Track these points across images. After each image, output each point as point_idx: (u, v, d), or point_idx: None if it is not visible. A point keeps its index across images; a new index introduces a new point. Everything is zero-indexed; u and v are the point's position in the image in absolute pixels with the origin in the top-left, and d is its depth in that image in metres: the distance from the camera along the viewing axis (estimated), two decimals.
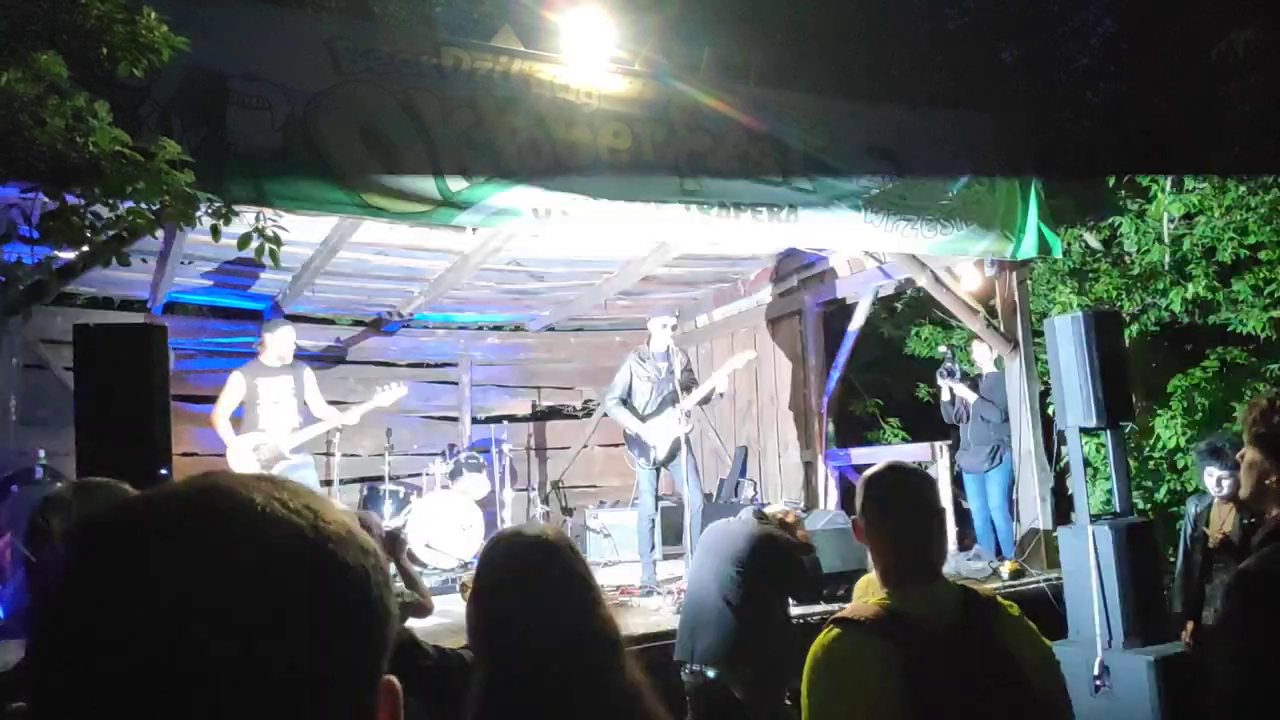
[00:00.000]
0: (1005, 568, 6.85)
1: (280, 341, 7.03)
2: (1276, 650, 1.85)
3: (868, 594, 4.08)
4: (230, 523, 0.64)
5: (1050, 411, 6.78)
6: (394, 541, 4.15)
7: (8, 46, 3.97)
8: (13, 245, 5.14)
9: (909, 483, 2.28)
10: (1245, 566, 2.05)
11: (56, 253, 4.67)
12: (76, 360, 4.77)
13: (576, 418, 11.08)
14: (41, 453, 6.96)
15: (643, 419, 6.91)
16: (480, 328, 10.71)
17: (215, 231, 4.63)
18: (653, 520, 7.06)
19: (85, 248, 4.52)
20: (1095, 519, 5.71)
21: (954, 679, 1.94)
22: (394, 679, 0.72)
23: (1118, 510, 5.80)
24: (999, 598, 2.19)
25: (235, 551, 0.63)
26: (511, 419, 10.20)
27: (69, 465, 6.11)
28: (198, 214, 4.45)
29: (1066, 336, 5.94)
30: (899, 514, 2.20)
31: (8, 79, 3.88)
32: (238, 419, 6.95)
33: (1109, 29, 8.32)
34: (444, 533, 7.71)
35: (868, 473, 2.31)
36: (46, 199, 4.28)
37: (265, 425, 6.86)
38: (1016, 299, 7.50)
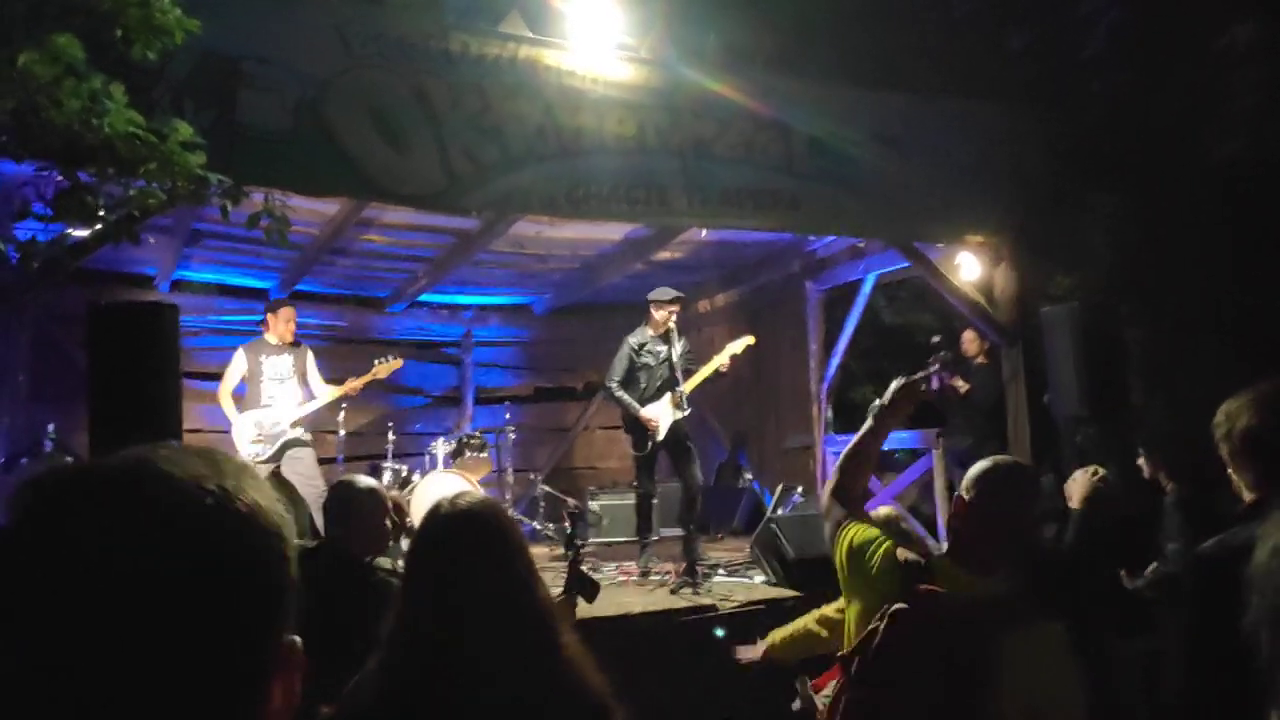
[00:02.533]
0: None
1: (282, 322, 7.14)
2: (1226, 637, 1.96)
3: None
4: (145, 492, 0.73)
5: (1045, 401, 6.86)
6: (399, 512, 4.23)
7: (25, 28, 4.03)
8: (27, 222, 5.22)
9: (1025, 482, 2.54)
10: (1203, 549, 2.15)
11: (69, 230, 4.74)
12: (89, 338, 4.85)
13: (578, 399, 11.16)
14: (51, 428, 7.05)
15: (642, 402, 6.91)
16: (483, 308, 10.78)
17: (224, 211, 4.72)
18: (651, 503, 7.11)
19: (98, 226, 4.60)
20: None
21: (927, 649, 2.14)
22: (296, 639, 0.81)
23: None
24: (1041, 621, 2.29)
25: (144, 517, 0.72)
26: (514, 400, 10.28)
27: (78, 440, 6.21)
28: (208, 194, 4.53)
29: (1061, 327, 6.02)
30: (1008, 508, 2.43)
31: (25, 60, 3.94)
32: (240, 396, 7.06)
33: (1116, 17, 8.32)
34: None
35: (988, 463, 2.50)
36: (61, 178, 4.36)
37: (268, 401, 6.96)
38: (1014, 289, 7.56)
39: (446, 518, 2.10)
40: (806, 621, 3.96)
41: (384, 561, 3.59)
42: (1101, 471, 4.28)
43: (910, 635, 2.20)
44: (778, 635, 4.05)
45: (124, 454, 0.77)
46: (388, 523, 3.56)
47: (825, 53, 7.16)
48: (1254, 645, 1.10)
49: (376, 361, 7.46)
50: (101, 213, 4.43)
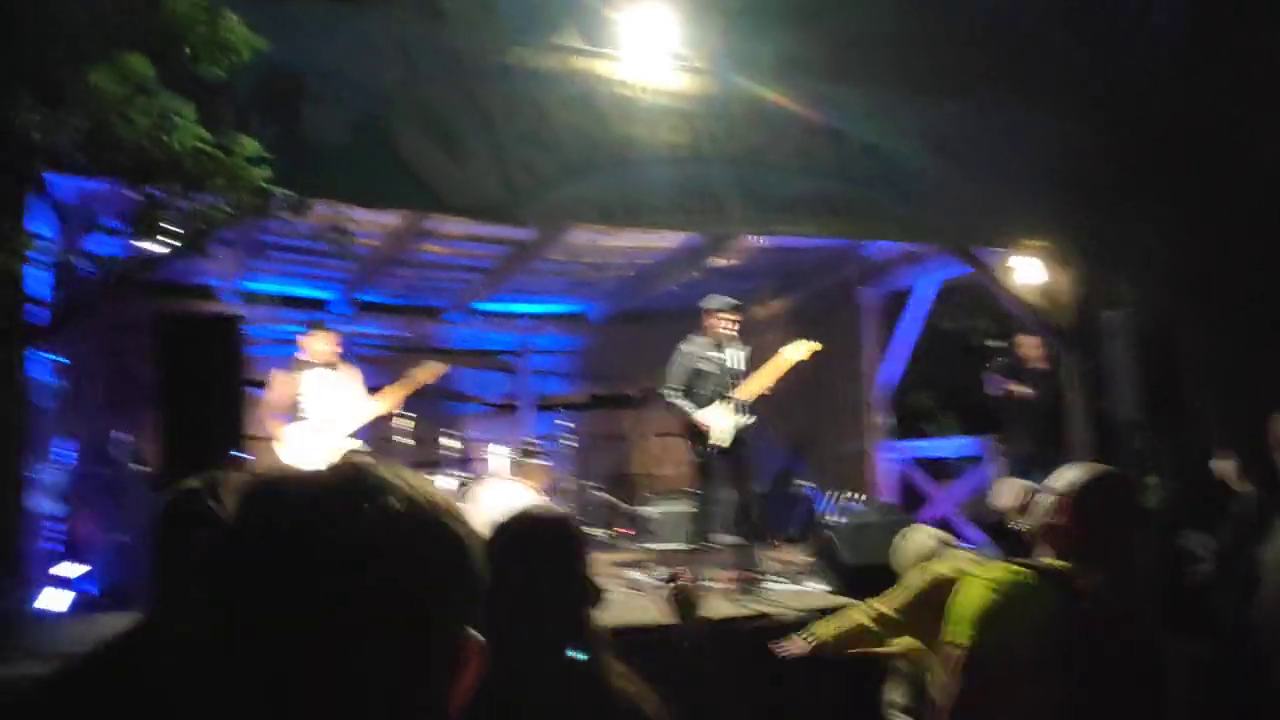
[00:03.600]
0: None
1: (318, 344, 7.12)
2: None
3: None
4: (375, 493, 0.80)
5: (1104, 406, 6.76)
6: None
7: (99, 48, 4.18)
8: (98, 236, 5.40)
9: (1136, 501, 2.72)
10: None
11: (140, 244, 4.89)
12: (156, 348, 4.99)
13: (634, 406, 11.19)
14: (124, 436, 7.25)
15: (701, 409, 6.89)
16: (540, 317, 10.86)
17: (288, 224, 4.84)
18: (710, 510, 7.10)
19: (167, 239, 4.73)
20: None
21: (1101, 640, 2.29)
22: (483, 639, 0.87)
23: (1166, 506, 5.79)
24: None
25: (379, 515, 0.79)
26: (570, 407, 10.35)
27: (148, 449, 6.37)
28: (273, 207, 4.65)
29: (1120, 332, 5.94)
30: (1122, 525, 2.57)
31: (97, 79, 4.09)
32: (286, 418, 7.09)
33: (1179, 26, 8.19)
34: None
35: (1100, 472, 2.64)
36: (131, 193, 4.50)
37: (315, 419, 7.00)
38: (1073, 294, 7.45)
39: (523, 525, 2.11)
40: (856, 616, 4.02)
41: None
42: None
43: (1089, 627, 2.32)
44: (827, 630, 4.10)
45: (336, 466, 0.85)
46: None
47: (883, 63, 7.12)
48: None
49: (421, 364, 7.50)
50: (170, 226, 4.56)
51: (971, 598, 2.39)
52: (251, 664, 0.75)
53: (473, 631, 0.86)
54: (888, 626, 3.97)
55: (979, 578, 2.45)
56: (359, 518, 0.78)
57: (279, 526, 0.79)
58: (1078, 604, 2.33)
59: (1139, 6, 8.32)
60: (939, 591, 3.81)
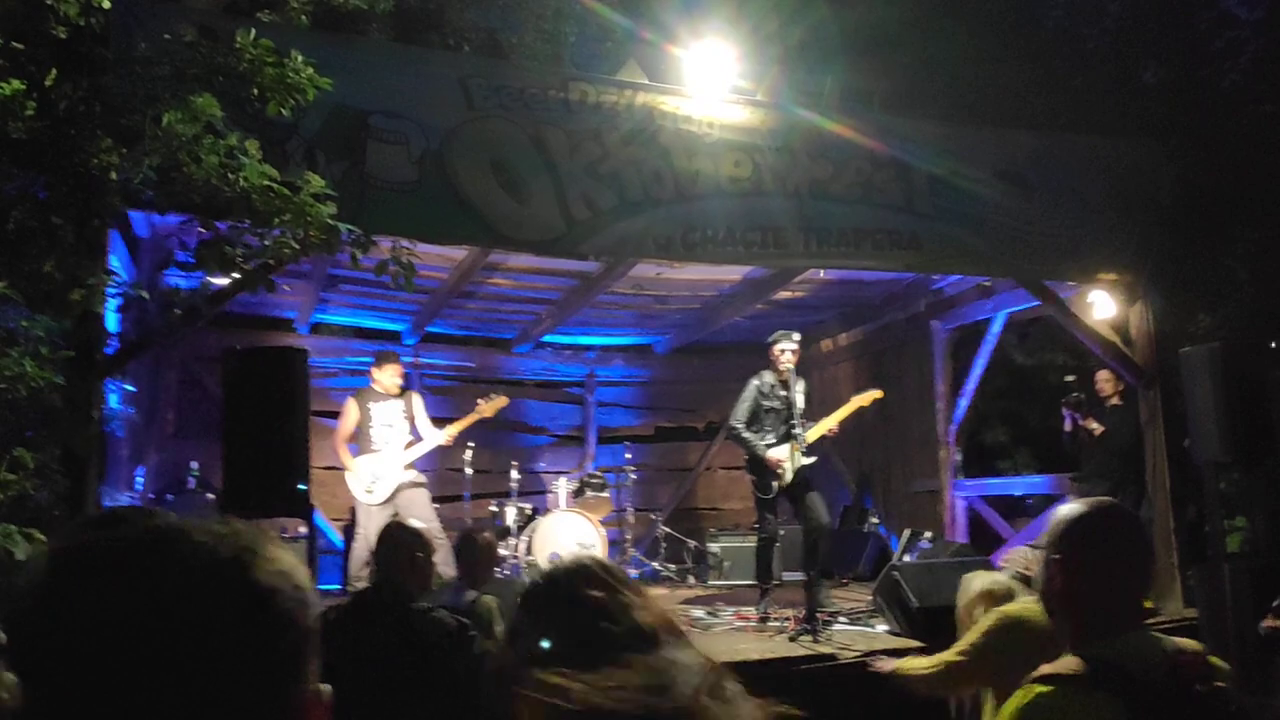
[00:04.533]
0: None
1: (387, 375, 7.32)
2: None
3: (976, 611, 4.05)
4: (165, 557, 0.78)
5: (1186, 445, 6.53)
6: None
7: (169, 89, 4.32)
8: (171, 271, 5.55)
9: (1128, 523, 2.11)
10: None
11: (210, 279, 5.01)
12: (224, 379, 5.10)
13: (699, 439, 11.15)
14: (194, 464, 7.43)
15: (767, 445, 6.87)
16: (606, 349, 10.90)
17: (354, 259, 4.92)
18: (774, 547, 7.02)
19: (236, 274, 4.85)
20: (1230, 558, 5.48)
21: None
22: (324, 688, 0.85)
23: (1253, 550, 5.56)
24: (1208, 654, 1.96)
25: (161, 580, 0.77)
26: (635, 439, 10.34)
27: (217, 478, 6.51)
28: (339, 243, 4.73)
29: (1203, 368, 5.73)
30: (1122, 554, 2.02)
31: (169, 120, 4.21)
32: (353, 443, 7.27)
33: (1258, 48, 7.97)
34: (564, 551, 7.86)
35: (1074, 510, 2.07)
36: (201, 229, 4.62)
37: (378, 446, 7.16)
38: (1151, 328, 7.23)
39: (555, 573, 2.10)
40: (947, 656, 3.87)
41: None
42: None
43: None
44: (913, 666, 4.00)
45: (145, 521, 0.82)
46: (434, 562, 3.73)
47: (947, 91, 7.05)
48: None
49: (485, 399, 7.62)
50: (240, 261, 4.67)
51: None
52: None
53: (311, 686, 0.83)
54: (953, 676, 3.85)
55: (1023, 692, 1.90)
56: (141, 581, 0.76)
57: (63, 595, 0.77)
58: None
59: (1209, 24, 8.10)
60: (1006, 633, 3.67)
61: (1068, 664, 1.89)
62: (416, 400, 7.47)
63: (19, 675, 0.75)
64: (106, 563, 0.78)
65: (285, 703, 0.81)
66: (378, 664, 3.11)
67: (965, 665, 3.76)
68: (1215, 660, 1.92)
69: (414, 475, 7.18)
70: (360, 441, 7.22)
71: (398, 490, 7.04)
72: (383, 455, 7.11)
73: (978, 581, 4.06)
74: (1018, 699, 1.87)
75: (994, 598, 3.92)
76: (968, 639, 3.79)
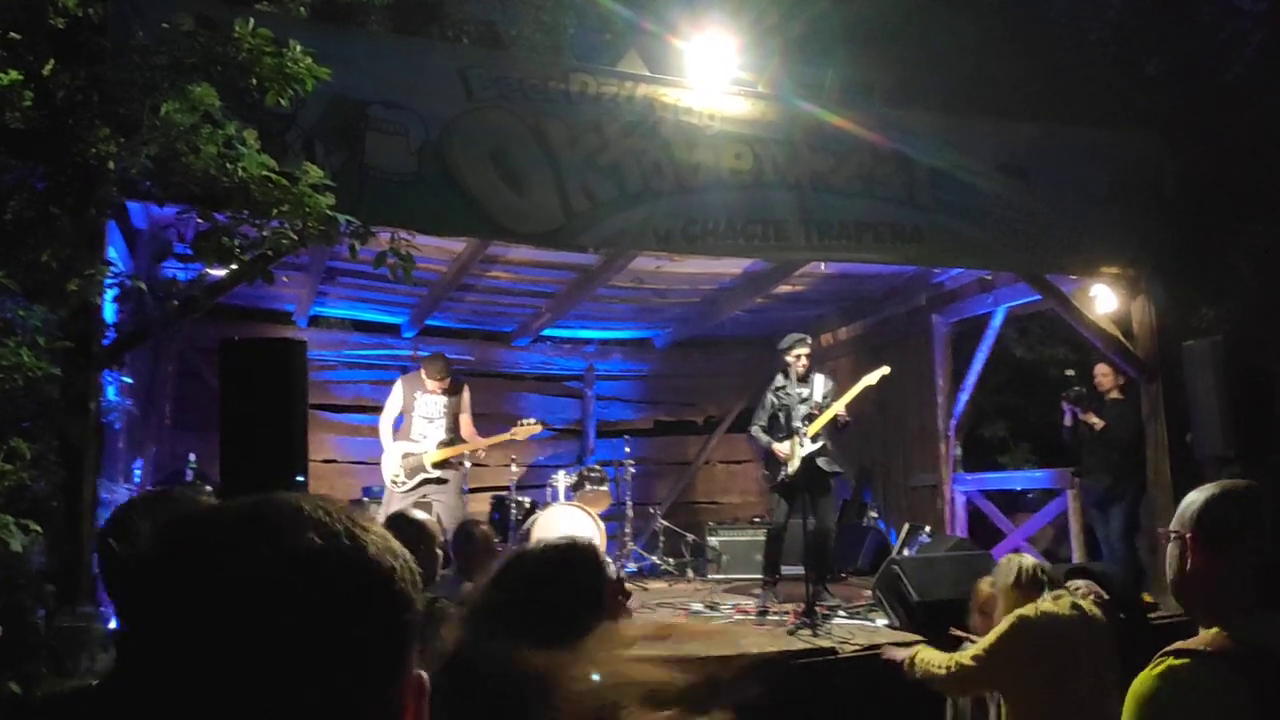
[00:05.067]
0: None
1: (433, 374, 7.38)
2: None
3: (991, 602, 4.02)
4: (278, 528, 0.76)
5: (1188, 440, 6.51)
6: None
7: (168, 79, 4.29)
8: (169, 262, 5.53)
9: (1260, 499, 2.03)
10: None
11: (208, 269, 4.99)
12: (221, 371, 5.08)
13: (698, 433, 11.13)
14: (192, 456, 7.42)
15: (777, 439, 6.98)
16: (606, 342, 10.88)
17: (353, 250, 4.90)
18: (780, 541, 7.06)
19: (234, 265, 4.82)
20: None
21: None
22: (423, 674, 0.83)
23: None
24: None
25: (280, 551, 0.75)
26: (634, 433, 10.32)
27: (215, 469, 6.50)
28: (338, 234, 4.71)
29: (1205, 362, 5.71)
30: (1261, 531, 1.95)
31: (167, 109, 4.19)
32: (396, 427, 7.34)
33: (1262, 39, 7.93)
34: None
35: (1210, 490, 2.03)
36: (199, 220, 4.60)
37: (417, 437, 7.21)
38: (1153, 322, 7.20)
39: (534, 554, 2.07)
40: (960, 659, 3.84)
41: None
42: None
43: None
44: (928, 657, 3.97)
45: (252, 497, 0.81)
46: (437, 553, 3.75)
47: (948, 83, 7.02)
48: None
49: (520, 423, 7.79)
50: (238, 252, 4.64)
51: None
52: (151, 699, 0.72)
53: (415, 669, 0.81)
54: (966, 679, 3.82)
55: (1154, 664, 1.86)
56: (266, 554, 0.74)
57: (180, 560, 0.75)
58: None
59: (1213, 16, 8.07)
60: (1017, 638, 3.64)
61: (1207, 639, 1.85)
62: (466, 395, 7.53)
63: (141, 653, 0.73)
64: (220, 534, 0.77)
65: (400, 685, 0.80)
66: None
67: (977, 671, 3.75)
68: None
69: (441, 473, 7.20)
70: (402, 429, 7.31)
71: (421, 484, 7.09)
72: (418, 446, 7.17)
73: (1012, 568, 3.95)
74: (1148, 671, 1.84)
75: (1021, 586, 3.84)
76: (984, 644, 3.75)
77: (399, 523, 3.76)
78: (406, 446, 7.18)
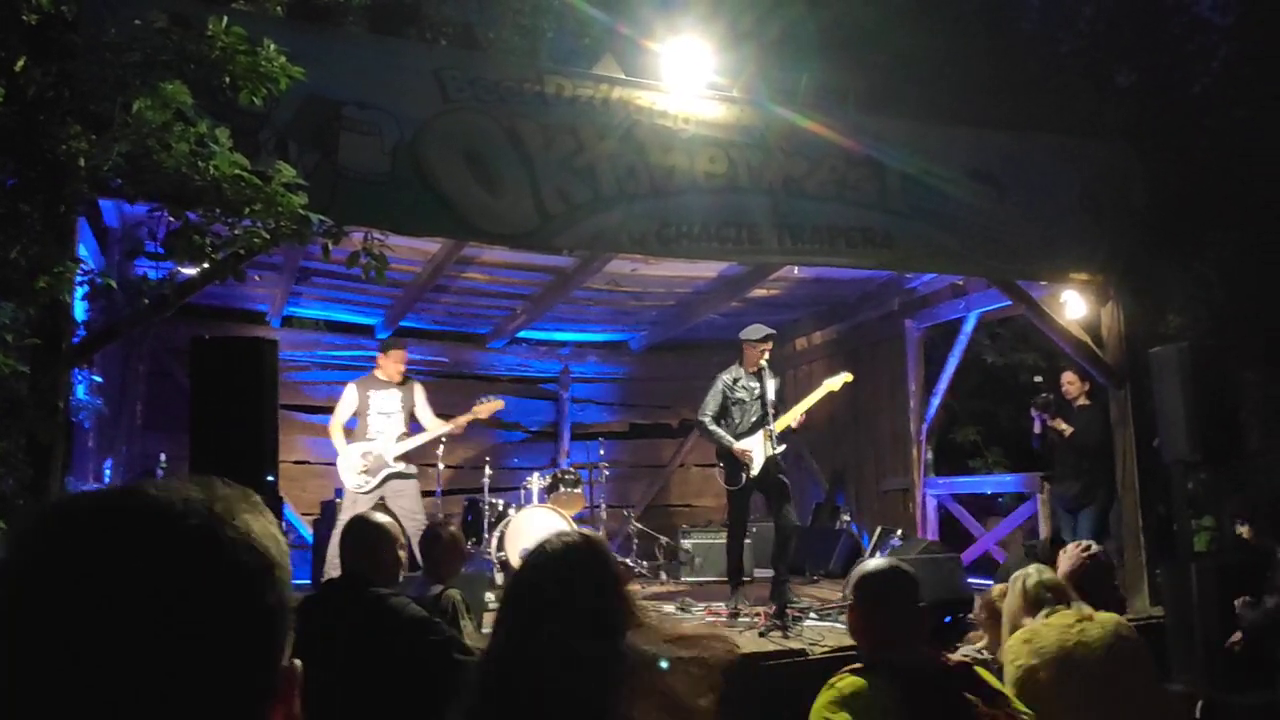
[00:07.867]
0: None
1: (391, 363, 7.30)
2: None
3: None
4: (132, 517, 0.76)
5: (1155, 445, 6.59)
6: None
7: (140, 76, 4.26)
8: (139, 261, 5.49)
9: (905, 581, 2.70)
10: None
11: (179, 268, 4.96)
12: (191, 370, 5.06)
13: (673, 436, 11.15)
14: (163, 456, 7.37)
15: (736, 438, 6.89)
16: (581, 345, 10.89)
17: (326, 250, 4.89)
18: (744, 542, 7.04)
19: (205, 264, 4.80)
20: (1197, 557, 5.54)
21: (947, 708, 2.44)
22: (296, 663, 0.82)
23: (1220, 549, 5.62)
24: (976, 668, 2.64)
25: (131, 542, 0.74)
26: (609, 436, 10.33)
27: (187, 468, 6.46)
28: (310, 234, 4.69)
29: (1171, 368, 5.78)
30: (893, 607, 2.66)
31: (139, 107, 4.16)
32: (350, 429, 7.24)
33: (1229, 52, 8.04)
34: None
35: (865, 569, 2.79)
36: (171, 218, 4.57)
37: (374, 435, 7.12)
38: (1122, 328, 7.28)
39: (550, 553, 2.08)
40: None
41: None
42: (1094, 548, 3.99)
43: None
44: None
45: (117, 485, 0.81)
46: (400, 555, 3.74)
47: (922, 91, 7.08)
48: None
49: (481, 400, 7.60)
50: (209, 251, 4.62)
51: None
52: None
53: (286, 658, 0.80)
54: None
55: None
56: (118, 544, 0.74)
57: (38, 556, 0.75)
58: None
59: (1182, 28, 8.17)
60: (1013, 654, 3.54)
61: (871, 661, 2.59)
62: (419, 390, 7.42)
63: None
64: (75, 525, 0.76)
65: (267, 675, 0.79)
66: (343, 651, 3.11)
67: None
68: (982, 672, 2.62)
69: (404, 466, 7.14)
70: (357, 430, 7.20)
71: (386, 480, 7.01)
72: (376, 444, 7.08)
73: (1016, 583, 3.80)
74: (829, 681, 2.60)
75: (1029, 599, 3.68)
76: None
77: (358, 526, 3.76)
78: (364, 446, 7.08)
